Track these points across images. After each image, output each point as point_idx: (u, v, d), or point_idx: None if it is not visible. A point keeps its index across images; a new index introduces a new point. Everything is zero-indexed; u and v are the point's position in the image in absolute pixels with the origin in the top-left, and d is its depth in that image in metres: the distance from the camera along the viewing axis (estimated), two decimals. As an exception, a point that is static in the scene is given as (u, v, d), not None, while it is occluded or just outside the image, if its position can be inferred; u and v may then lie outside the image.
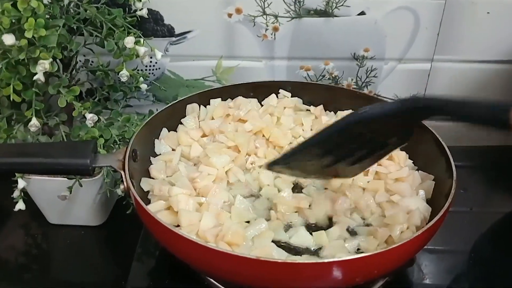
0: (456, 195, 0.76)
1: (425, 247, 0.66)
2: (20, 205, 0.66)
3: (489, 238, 0.71)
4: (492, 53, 0.80)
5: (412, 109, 0.44)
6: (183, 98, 0.72)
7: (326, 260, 0.45)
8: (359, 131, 0.46)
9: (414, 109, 0.44)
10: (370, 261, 0.46)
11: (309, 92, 0.76)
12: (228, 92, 0.75)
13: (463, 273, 0.65)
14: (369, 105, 0.45)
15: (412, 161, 0.65)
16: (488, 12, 0.76)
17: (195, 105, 0.72)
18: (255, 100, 0.74)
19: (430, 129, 0.64)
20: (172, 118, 0.70)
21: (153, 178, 0.63)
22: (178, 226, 0.55)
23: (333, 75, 0.83)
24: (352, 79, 0.83)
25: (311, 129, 0.71)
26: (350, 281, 0.49)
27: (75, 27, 0.65)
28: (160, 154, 0.67)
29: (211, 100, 0.73)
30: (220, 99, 0.74)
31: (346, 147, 0.48)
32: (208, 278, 0.58)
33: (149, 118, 0.67)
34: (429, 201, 0.60)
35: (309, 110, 0.74)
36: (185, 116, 0.71)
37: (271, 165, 0.54)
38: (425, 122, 0.61)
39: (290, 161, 0.52)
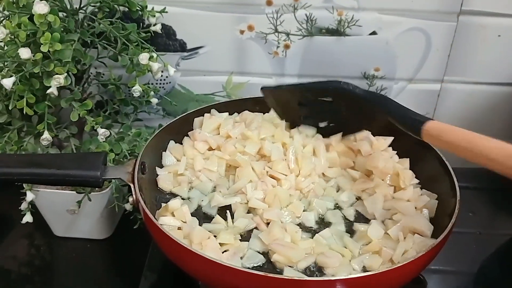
0: (463, 218, 0.76)
1: (432, 267, 0.67)
2: (28, 218, 0.66)
3: (496, 260, 0.71)
4: (502, 75, 0.80)
5: (371, 100, 0.61)
6: (190, 111, 0.72)
7: (332, 278, 0.47)
8: (332, 95, 0.64)
9: (373, 101, 0.60)
10: (374, 280, 0.46)
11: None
12: (235, 106, 0.74)
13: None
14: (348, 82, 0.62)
15: (418, 181, 0.64)
16: (499, 35, 0.76)
17: (202, 118, 0.72)
18: (260, 114, 0.73)
19: (434, 148, 0.64)
20: (180, 131, 0.70)
21: (161, 190, 0.63)
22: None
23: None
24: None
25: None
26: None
27: (89, 41, 0.65)
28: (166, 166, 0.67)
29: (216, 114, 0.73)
30: (227, 113, 0.73)
31: (319, 105, 0.65)
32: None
33: (158, 131, 0.67)
34: (432, 220, 0.60)
35: None
36: (192, 129, 0.71)
37: (265, 88, 0.68)
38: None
39: (280, 93, 0.68)
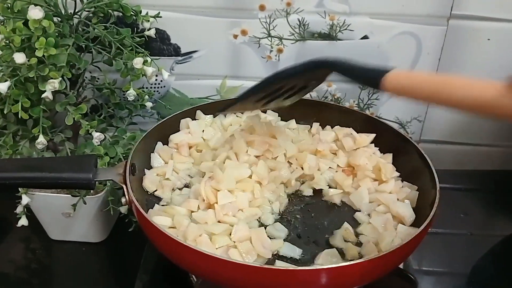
0: (455, 219, 0.78)
1: (425, 268, 0.69)
2: (23, 221, 0.66)
3: (488, 261, 0.71)
4: (491, 79, 0.81)
5: (315, 67, 0.56)
6: (177, 112, 0.72)
7: (319, 267, 0.47)
8: (283, 82, 0.59)
9: (317, 66, 0.56)
10: (360, 268, 0.48)
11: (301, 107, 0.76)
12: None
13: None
14: (289, 66, 0.58)
15: (399, 174, 0.66)
16: (488, 39, 0.77)
17: (189, 119, 0.73)
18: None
19: (413, 143, 0.66)
20: (167, 133, 0.71)
21: (147, 191, 0.64)
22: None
23: (335, 97, 0.84)
24: (354, 101, 0.84)
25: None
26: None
27: (83, 46, 0.66)
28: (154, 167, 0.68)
29: (202, 115, 0.74)
30: (212, 115, 0.74)
31: (278, 90, 0.60)
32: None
33: (146, 133, 0.67)
34: (415, 211, 0.61)
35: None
36: (179, 130, 0.72)
37: (223, 110, 0.66)
38: (408, 137, 0.67)
39: (238, 103, 0.62)
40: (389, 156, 0.68)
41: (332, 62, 0.53)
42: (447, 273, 0.69)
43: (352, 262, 0.47)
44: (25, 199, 0.65)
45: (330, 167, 0.67)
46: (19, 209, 0.66)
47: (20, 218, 0.66)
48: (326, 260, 0.53)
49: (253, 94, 0.60)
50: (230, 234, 0.54)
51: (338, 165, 0.68)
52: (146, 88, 0.81)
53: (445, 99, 0.43)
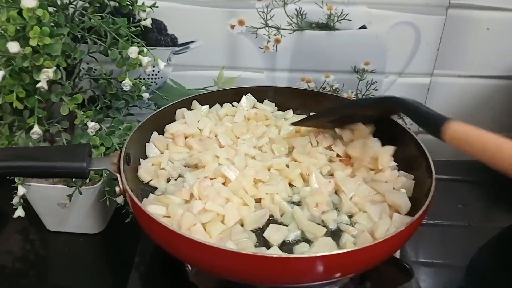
0: (453, 210, 0.77)
1: (423, 260, 0.69)
2: (20, 212, 0.66)
3: (486, 253, 0.71)
4: (491, 68, 0.81)
5: (387, 103, 0.60)
6: (173, 102, 0.72)
7: (314, 255, 0.47)
8: (357, 110, 0.66)
9: (389, 103, 0.59)
10: (355, 256, 0.48)
11: (299, 98, 0.77)
12: (217, 98, 0.75)
13: (461, 288, 0.65)
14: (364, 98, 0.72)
15: (395, 164, 0.66)
16: (488, 28, 0.77)
17: (185, 109, 0.72)
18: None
19: (411, 132, 0.65)
20: (163, 123, 0.70)
21: (142, 181, 0.63)
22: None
23: (333, 87, 0.83)
24: (352, 92, 0.84)
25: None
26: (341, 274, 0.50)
27: (79, 36, 0.66)
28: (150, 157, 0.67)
29: (198, 105, 0.74)
30: (208, 106, 0.74)
31: (350, 116, 0.67)
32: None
33: (141, 122, 0.67)
34: (411, 200, 0.60)
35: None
36: (175, 120, 0.71)
37: (297, 124, 0.70)
38: (407, 128, 0.67)
39: (314, 119, 0.69)
40: (390, 149, 0.67)
41: (402, 103, 0.55)
42: (445, 264, 0.69)
43: (346, 250, 0.47)
44: (21, 190, 0.65)
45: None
46: (15, 200, 0.66)
47: (16, 209, 0.66)
48: (321, 248, 0.53)
49: (328, 114, 0.68)
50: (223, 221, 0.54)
51: (337, 155, 0.67)
52: (143, 79, 0.81)
53: (501, 164, 0.45)
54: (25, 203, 0.68)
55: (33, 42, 0.56)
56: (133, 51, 0.64)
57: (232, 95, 0.76)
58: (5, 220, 0.75)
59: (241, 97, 0.76)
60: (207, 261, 0.49)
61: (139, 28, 0.69)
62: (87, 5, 0.67)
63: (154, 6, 0.72)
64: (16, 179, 0.65)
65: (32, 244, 0.73)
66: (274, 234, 0.55)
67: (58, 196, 0.67)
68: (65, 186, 0.66)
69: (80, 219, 0.71)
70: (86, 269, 0.70)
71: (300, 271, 0.47)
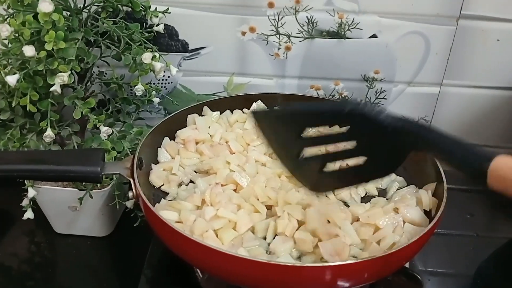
0: (461, 220, 0.77)
1: (430, 269, 0.68)
2: (29, 214, 0.66)
3: (493, 263, 0.71)
4: (500, 79, 0.81)
5: (401, 130, 0.41)
6: (184, 108, 0.73)
7: (326, 264, 0.47)
8: (349, 123, 0.42)
9: (404, 131, 0.41)
10: (367, 266, 0.48)
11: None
12: (228, 104, 0.76)
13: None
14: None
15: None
16: (498, 40, 0.77)
17: (196, 115, 0.73)
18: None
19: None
20: (174, 128, 0.71)
21: (153, 186, 0.64)
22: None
23: (342, 95, 0.84)
24: (361, 100, 0.84)
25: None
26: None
27: (92, 40, 0.66)
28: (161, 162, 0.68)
29: (208, 111, 0.74)
30: (218, 112, 0.75)
31: (332, 140, 0.44)
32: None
33: (153, 128, 0.68)
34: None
35: None
36: (186, 126, 0.72)
37: (256, 113, 0.46)
38: None
39: (276, 119, 0.45)
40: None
41: (432, 138, 0.42)
42: (452, 274, 0.69)
43: (358, 260, 0.47)
44: (31, 192, 0.65)
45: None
46: (25, 202, 0.66)
47: (26, 211, 0.67)
48: None
49: (299, 111, 0.47)
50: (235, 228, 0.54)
51: None
52: (154, 83, 0.81)
53: None
54: (34, 205, 0.68)
55: (48, 46, 0.57)
56: (147, 57, 0.64)
57: (243, 102, 0.76)
58: (13, 221, 0.76)
59: (251, 104, 0.76)
60: (219, 267, 0.49)
61: (152, 34, 0.69)
62: (100, 9, 0.68)
63: (167, 12, 0.72)
64: (26, 181, 0.66)
65: (39, 246, 0.73)
66: (280, 247, 0.54)
67: (68, 199, 0.67)
68: (75, 189, 0.67)
69: (89, 222, 0.71)
70: (93, 272, 0.70)
71: (312, 280, 0.47)
